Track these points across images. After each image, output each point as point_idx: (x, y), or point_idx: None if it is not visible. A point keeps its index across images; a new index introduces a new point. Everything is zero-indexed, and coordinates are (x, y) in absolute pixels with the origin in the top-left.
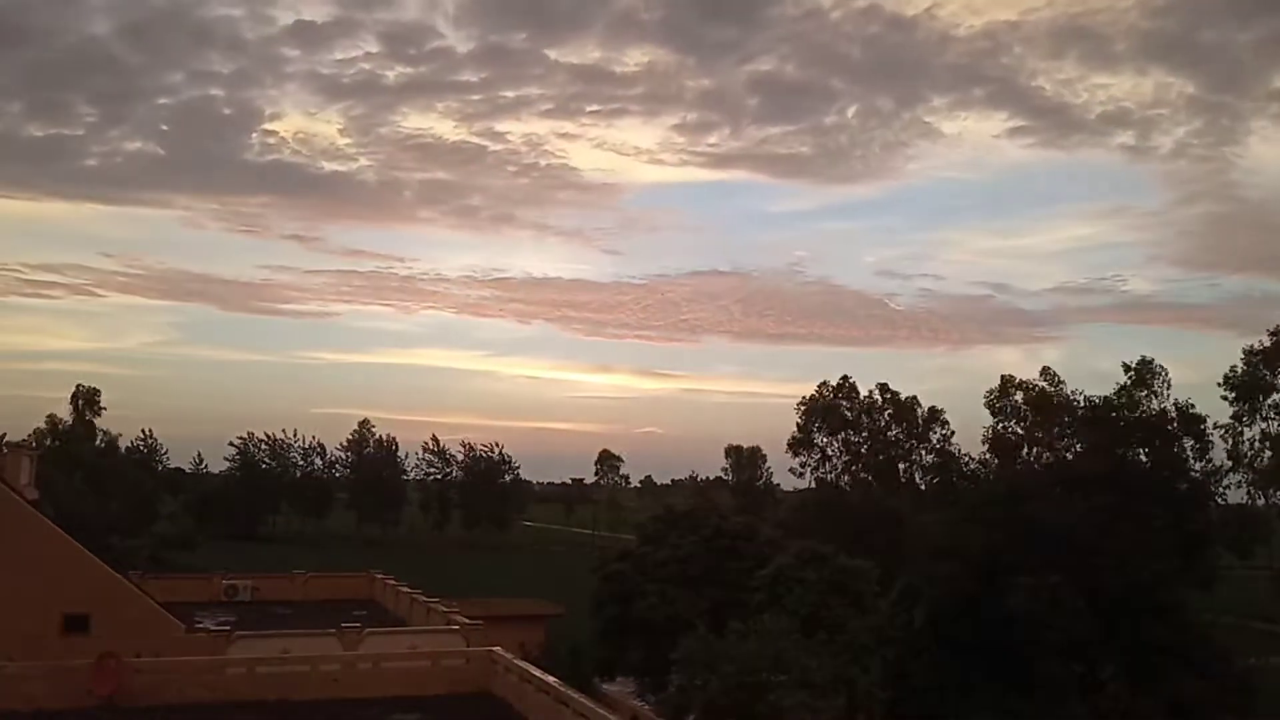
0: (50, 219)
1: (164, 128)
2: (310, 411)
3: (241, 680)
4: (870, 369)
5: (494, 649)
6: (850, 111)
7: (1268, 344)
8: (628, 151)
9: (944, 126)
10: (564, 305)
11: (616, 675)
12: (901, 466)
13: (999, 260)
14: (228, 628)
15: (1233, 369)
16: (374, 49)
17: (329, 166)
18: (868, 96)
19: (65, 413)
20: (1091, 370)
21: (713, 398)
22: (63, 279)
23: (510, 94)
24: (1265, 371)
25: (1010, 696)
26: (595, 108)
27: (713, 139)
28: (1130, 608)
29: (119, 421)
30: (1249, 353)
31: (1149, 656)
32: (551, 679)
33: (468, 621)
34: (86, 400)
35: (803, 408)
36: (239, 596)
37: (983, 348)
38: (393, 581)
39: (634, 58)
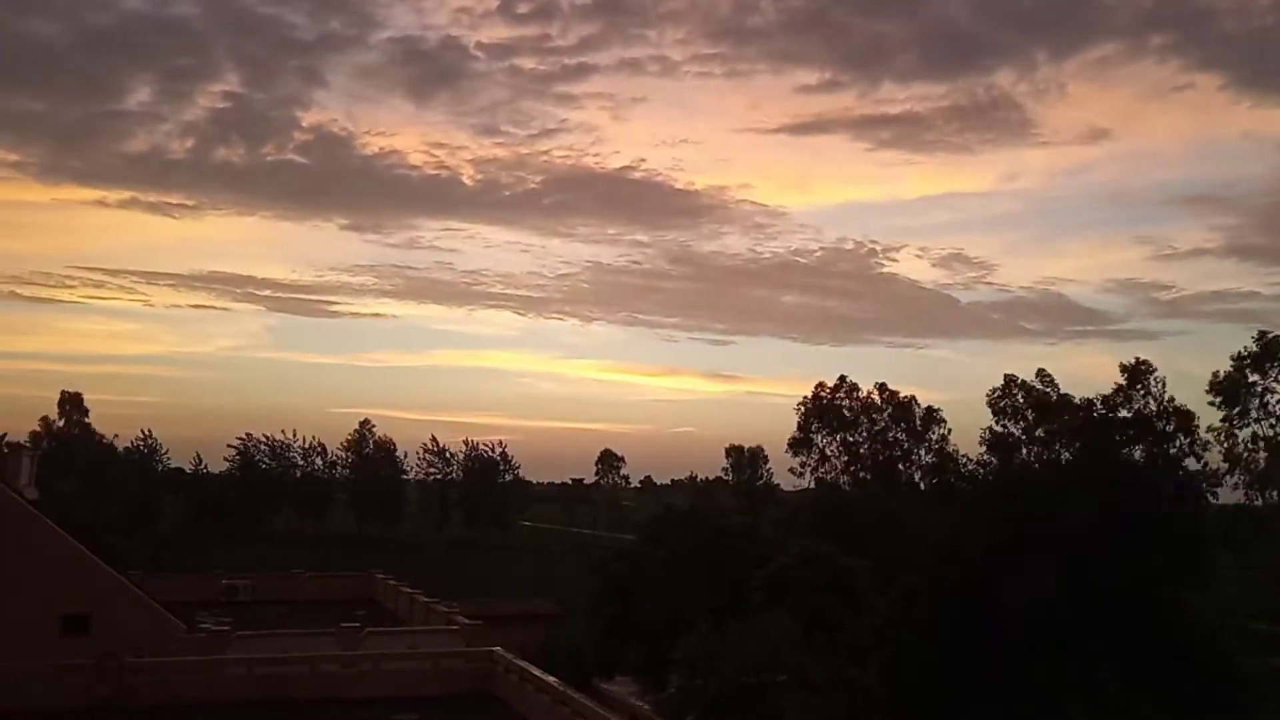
0: (93, 214)
1: (221, 106)
2: (361, 413)
3: (241, 680)
4: (941, 368)
5: (494, 649)
6: (999, 69)
7: (1255, 349)
8: (721, 124)
9: (1097, 84)
10: (626, 303)
11: (616, 675)
12: (901, 466)
13: (1096, 253)
14: (227, 628)
15: (1216, 373)
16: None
17: (386, 151)
18: (1024, 49)
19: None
20: (1180, 372)
21: (772, 400)
22: (112, 279)
23: (605, 57)
24: (1252, 375)
25: (1008, 697)
26: (703, 70)
27: (823, 102)
28: (1128, 608)
29: (157, 423)
30: (1237, 358)
31: (1147, 657)
32: (551, 679)
33: (468, 621)
34: (73, 404)
35: (802, 408)
36: (239, 596)
37: (1068, 345)
38: (393, 581)
39: (772, 5)
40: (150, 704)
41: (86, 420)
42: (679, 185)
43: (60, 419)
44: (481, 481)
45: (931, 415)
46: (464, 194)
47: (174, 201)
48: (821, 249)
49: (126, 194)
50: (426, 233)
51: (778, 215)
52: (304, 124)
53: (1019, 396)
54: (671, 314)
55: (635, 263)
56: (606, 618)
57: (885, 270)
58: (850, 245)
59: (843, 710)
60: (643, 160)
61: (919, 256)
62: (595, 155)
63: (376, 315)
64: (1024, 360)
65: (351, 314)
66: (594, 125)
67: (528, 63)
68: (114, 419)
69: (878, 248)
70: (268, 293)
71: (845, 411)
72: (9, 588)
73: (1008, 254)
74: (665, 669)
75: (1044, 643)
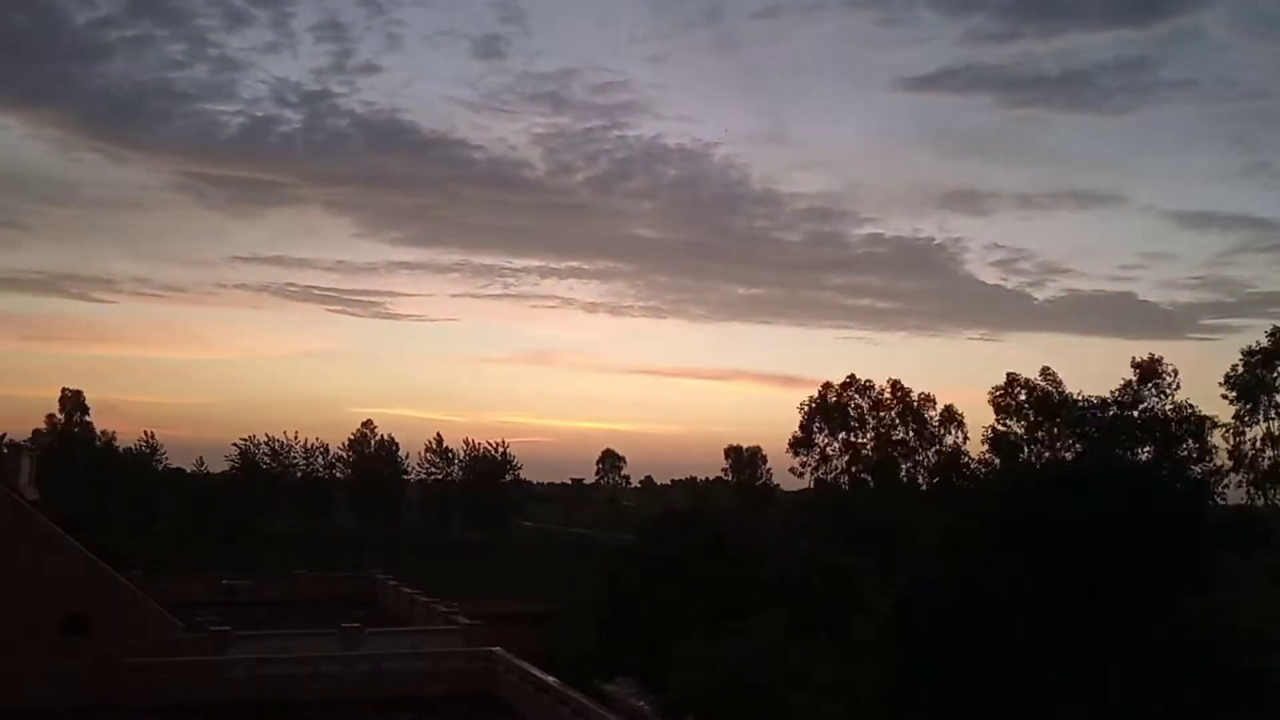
0: (134, 200)
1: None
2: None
3: (241, 681)
4: (1013, 366)
5: (494, 649)
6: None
7: (1266, 344)
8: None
9: None
10: (693, 298)
11: (617, 675)
12: (905, 466)
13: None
14: (227, 628)
15: (1233, 368)
16: None
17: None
18: None
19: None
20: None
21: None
22: (156, 274)
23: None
24: (1264, 372)
25: (1010, 698)
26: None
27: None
28: (1132, 608)
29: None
30: (1248, 353)
31: (1150, 657)
32: (551, 679)
33: (468, 621)
34: (75, 403)
35: (805, 408)
36: (239, 596)
37: (1150, 344)
38: (393, 581)
39: None
40: (150, 704)
41: (88, 419)
42: (756, 172)
43: (61, 415)
44: (482, 482)
45: (950, 414)
46: (532, 179)
47: (222, 188)
48: (897, 238)
49: (169, 178)
50: (490, 218)
51: (855, 203)
52: (366, 103)
53: (1021, 395)
54: (739, 310)
55: (707, 257)
56: (607, 618)
57: (958, 264)
58: (924, 237)
59: (843, 711)
60: (719, 142)
61: (993, 249)
62: (673, 131)
63: (431, 317)
64: (1101, 359)
65: (409, 315)
66: (674, 95)
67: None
68: (158, 421)
69: (950, 239)
70: (321, 289)
71: (850, 411)
72: (9, 588)
73: (1089, 243)
74: (665, 669)
75: (1046, 644)
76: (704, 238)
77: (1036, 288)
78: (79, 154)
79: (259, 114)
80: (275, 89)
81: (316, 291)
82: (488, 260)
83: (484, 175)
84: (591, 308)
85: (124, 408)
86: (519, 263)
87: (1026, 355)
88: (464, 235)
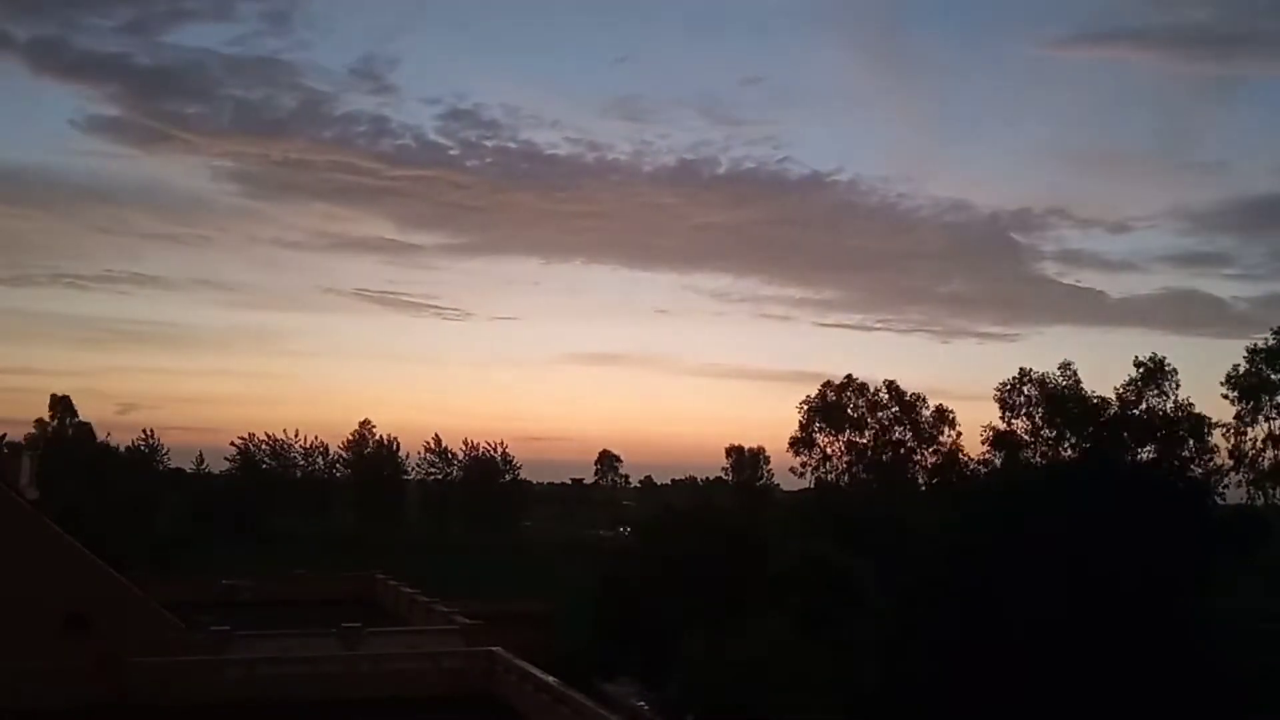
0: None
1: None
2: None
3: (241, 681)
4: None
5: (494, 649)
6: None
7: (1272, 342)
8: None
9: None
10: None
11: (616, 675)
12: (906, 465)
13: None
14: (227, 628)
15: (1235, 368)
16: None
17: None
18: None
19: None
20: None
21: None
22: (218, 274)
23: None
24: (1269, 370)
25: (1009, 698)
26: None
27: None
28: (1130, 608)
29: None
30: (1253, 351)
31: (1149, 657)
32: (551, 679)
33: (468, 621)
34: (65, 408)
35: (805, 406)
36: (239, 597)
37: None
38: (393, 581)
39: None
40: (150, 704)
41: (80, 421)
42: (832, 169)
43: (53, 420)
44: (482, 482)
45: (942, 415)
46: (610, 165)
47: (270, 173)
48: (967, 235)
49: (215, 162)
50: (558, 210)
51: (933, 193)
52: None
53: (1030, 391)
54: (809, 309)
55: (782, 252)
56: (607, 618)
57: (1034, 261)
58: (1000, 224)
59: (842, 710)
60: (786, 138)
61: (1068, 246)
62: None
63: (487, 315)
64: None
65: (469, 314)
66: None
67: None
68: (186, 421)
69: (1023, 233)
70: (374, 291)
71: (850, 411)
72: (9, 588)
73: (1170, 237)
74: (665, 669)
75: (1045, 644)
76: (778, 233)
77: (1111, 285)
78: (126, 134)
79: (318, 92)
80: (337, 70)
81: (369, 293)
82: (554, 259)
83: (565, 168)
84: (659, 307)
85: (146, 406)
86: (587, 259)
87: (1093, 355)
88: (526, 229)
